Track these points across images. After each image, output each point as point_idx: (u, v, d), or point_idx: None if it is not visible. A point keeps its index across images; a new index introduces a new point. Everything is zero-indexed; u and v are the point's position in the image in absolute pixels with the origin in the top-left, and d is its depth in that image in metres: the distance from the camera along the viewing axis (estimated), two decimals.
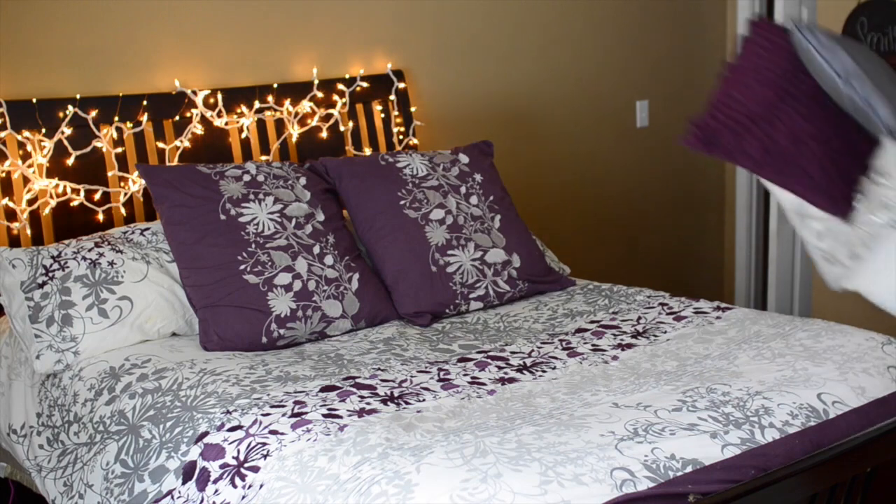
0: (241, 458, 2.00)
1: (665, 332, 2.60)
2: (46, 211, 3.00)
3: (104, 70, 3.16)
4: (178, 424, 2.19)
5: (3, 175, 2.93)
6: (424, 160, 3.12)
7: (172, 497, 2.07)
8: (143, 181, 3.05)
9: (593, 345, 2.53)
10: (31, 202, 2.97)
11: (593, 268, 4.07)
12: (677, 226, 4.78)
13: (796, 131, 2.11)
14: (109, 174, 3.11)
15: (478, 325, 2.81)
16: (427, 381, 2.29)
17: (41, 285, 2.61)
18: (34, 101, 2.98)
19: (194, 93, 3.26)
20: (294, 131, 3.45)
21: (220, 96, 3.30)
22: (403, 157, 3.12)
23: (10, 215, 2.95)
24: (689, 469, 1.80)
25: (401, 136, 3.70)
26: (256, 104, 3.37)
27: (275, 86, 3.42)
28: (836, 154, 2.13)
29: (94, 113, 3.06)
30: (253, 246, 2.69)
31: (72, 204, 3.04)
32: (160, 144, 3.19)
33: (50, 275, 2.63)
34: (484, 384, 2.27)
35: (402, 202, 2.97)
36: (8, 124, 2.93)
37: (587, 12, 4.31)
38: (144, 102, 3.16)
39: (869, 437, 1.85)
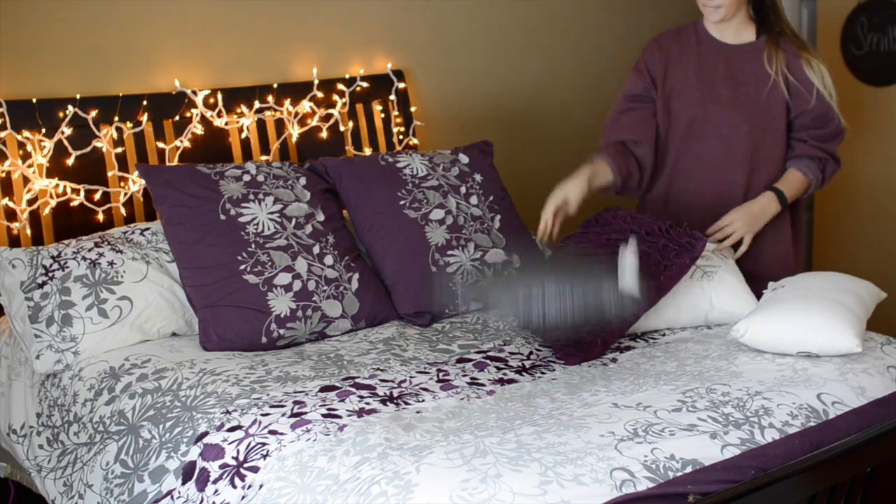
0: (241, 458, 2.00)
1: (664, 335, 2.59)
2: (46, 211, 3.00)
3: (104, 70, 3.16)
4: (178, 424, 2.19)
5: (3, 175, 2.93)
6: (424, 160, 3.12)
7: (172, 497, 2.06)
8: (143, 181, 3.05)
9: None
10: (31, 202, 2.97)
11: None
12: None
13: None
14: (109, 174, 3.11)
15: (477, 325, 2.81)
16: (426, 381, 2.29)
17: (41, 285, 2.61)
18: (34, 101, 2.98)
19: (194, 93, 3.26)
20: (294, 131, 3.45)
21: (220, 96, 3.30)
22: (403, 157, 3.12)
23: (10, 215, 2.95)
24: (688, 469, 1.80)
25: (401, 136, 3.70)
26: (256, 104, 3.37)
27: (275, 86, 3.42)
28: None
29: (94, 113, 3.06)
30: (253, 246, 2.69)
31: (72, 204, 3.04)
32: (160, 144, 3.19)
33: (50, 275, 2.62)
34: (483, 385, 2.27)
35: (401, 202, 2.97)
36: (8, 124, 2.93)
37: (587, 12, 4.31)
38: (144, 102, 3.16)
39: (869, 437, 1.85)
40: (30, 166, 2.97)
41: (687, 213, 2.92)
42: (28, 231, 2.97)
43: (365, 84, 3.61)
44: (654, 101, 2.99)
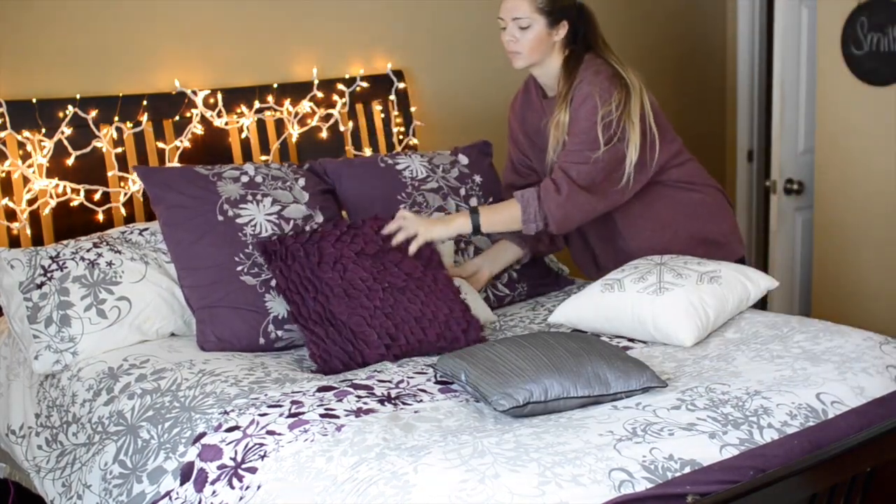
0: (239, 459, 2.00)
1: None
2: (46, 211, 3.00)
3: (104, 70, 3.16)
4: (177, 425, 2.19)
5: (3, 175, 2.93)
6: (424, 161, 3.12)
7: (170, 498, 2.06)
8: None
9: None
10: (31, 202, 2.97)
11: None
12: None
13: None
14: (109, 174, 3.11)
15: None
16: (424, 382, 2.29)
17: (39, 286, 2.61)
18: (34, 101, 2.98)
19: (194, 93, 3.26)
20: (294, 131, 3.45)
21: (220, 96, 3.30)
22: (403, 158, 3.11)
23: (10, 215, 2.95)
24: (687, 469, 1.80)
25: (401, 137, 3.70)
26: (256, 104, 3.37)
27: (275, 86, 3.42)
28: None
29: (94, 113, 3.06)
30: (250, 247, 2.68)
31: (72, 204, 3.03)
32: (160, 144, 3.19)
33: (48, 275, 2.62)
34: None
35: (401, 206, 2.96)
36: (8, 124, 2.93)
37: None
38: (144, 102, 3.16)
39: (869, 437, 1.85)
40: (30, 166, 2.97)
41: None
42: (28, 231, 2.97)
43: (365, 84, 3.61)
44: (532, 166, 3.02)
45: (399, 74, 3.71)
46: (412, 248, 2.62)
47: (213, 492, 1.98)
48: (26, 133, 2.96)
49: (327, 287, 2.51)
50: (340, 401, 2.14)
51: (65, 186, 3.02)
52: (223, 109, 3.30)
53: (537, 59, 2.80)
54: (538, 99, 2.94)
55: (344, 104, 3.56)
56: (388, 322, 2.48)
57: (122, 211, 3.12)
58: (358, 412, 2.07)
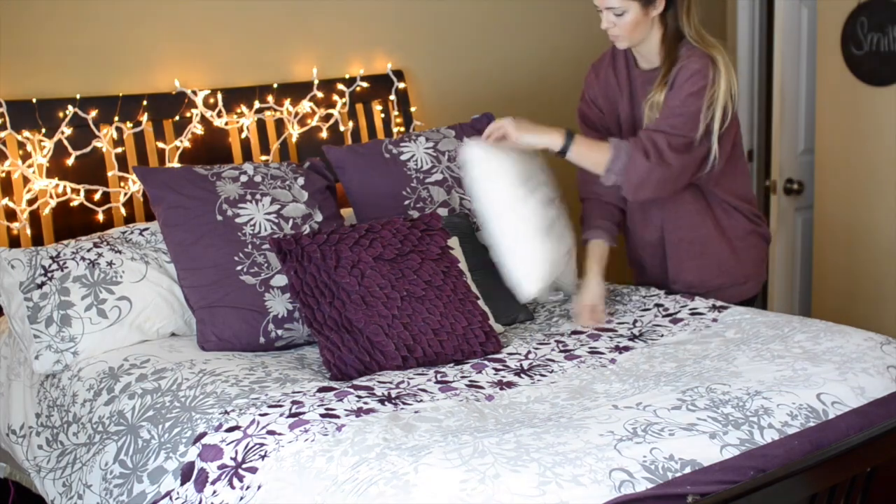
0: (239, 458, 2.00)
1: (662, 336, 2.58)
2: (46, 211, 3.00)
3: (104, 70, 3.16)
4: (177, 425, 2.19)
5: (3, 175, 2.93)
6: (429, 148, 3.10)
7: (171, 498, 2.06)
8: None
9: (590, 348, 2.53)
10: (31, 202, 2.97)
11: None
12: None
13: None
14: (109, 174, 3.11)
15: None
16: (424, 382, 2.29)
17: (40, 286, 2.61)
18: (34, 101, 2.98)
19: (194, 93, 3.26)
20: (294, 131, 3.45)
21: (220, 96, 3.30)
22: (408, 145, 3.10)
23: (10, 215, 2.95)
24: (687, 470, 1.80)
25: None
26: (256, 104, 3.37)
27: (275, 86, 3.42)
28: None
29: (94, 113, 3.06)
30: (249, 247, 2.68)
31: (72, 204, 3.04)
32: (160, 144, 3.19)
33: (49, 275, 2.62)
34: (482, 388, 2.26)
35: (406, 202, 2.97)
36: (8, 124, 2.93)
37: (589, 14, 4.30)
38: (144, 102, 3.16)
39: (869, 437, 1.85)
40: (30, 166, 2.97)
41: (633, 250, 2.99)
42: (28, 231, 2.97)
43: (365, 84, 3.61)
44: (609, 128, 2.97)
45: (399, 74, 3.71)
46: (489, 140, 2.66)
47: (214, 492, 1.98)
48: (26, 133, 2.96)
49: (344, 293, 2.46)
50: (341, 401, 2.14)
51: (65, 186, 3.02)
52: (223, 109, 3.30)
53: (639, 38, 2.77)
54: (626, 67, 2.90)
55: (344, 104, 3.56)
56: (405, 333, 2.43)
57: (122, 211, 3.12)
58: (358, 412, 2.07)
